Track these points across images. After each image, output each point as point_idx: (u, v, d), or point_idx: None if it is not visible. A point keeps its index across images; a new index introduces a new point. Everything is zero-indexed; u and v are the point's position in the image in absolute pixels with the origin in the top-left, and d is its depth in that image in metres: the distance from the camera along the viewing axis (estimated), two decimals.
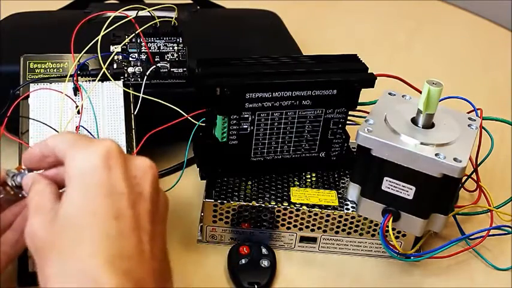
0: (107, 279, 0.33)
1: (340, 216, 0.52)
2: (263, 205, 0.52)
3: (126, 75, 0.56)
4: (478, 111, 0.55)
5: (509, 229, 0.57)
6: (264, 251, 0.53)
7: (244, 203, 0.52)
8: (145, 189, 0.37)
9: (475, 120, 0.52)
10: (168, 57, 0.58)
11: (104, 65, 0.54)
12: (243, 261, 0.51)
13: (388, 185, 0.48)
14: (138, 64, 0.57)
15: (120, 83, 0.56)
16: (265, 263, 0.52)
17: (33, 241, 0.37)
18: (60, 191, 0.40)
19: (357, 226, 0.53)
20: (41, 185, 0.40)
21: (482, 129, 0.54)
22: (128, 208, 0.36)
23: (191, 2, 0.79)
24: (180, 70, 0.57)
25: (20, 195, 0.46)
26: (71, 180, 0.36)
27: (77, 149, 0.38)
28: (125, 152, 0.53)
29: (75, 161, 0.37)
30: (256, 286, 0.50)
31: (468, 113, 0.55)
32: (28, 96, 0.54)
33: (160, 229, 0.38)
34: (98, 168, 0.36)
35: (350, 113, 0.54)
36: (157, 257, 0.37)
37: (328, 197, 0.53)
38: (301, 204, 0.52)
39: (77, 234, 0.34)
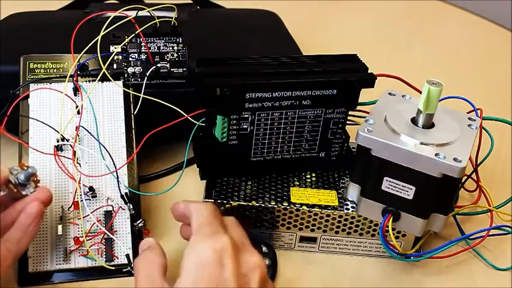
0: None
1: (340, 216, 0.52)
2: (263, 205, 0.52)
3: (126, 76, 0.56)
4: (478, 111, 0.55)
5: (509, 229, 0.57)
6: (264, 249, 0.53)
7: (244, 203, 0.52)
8: (253, 286, 0.40)
9: (475, 120, 0.52)
10: (168, 57, 0.58)
11: (104, 65, 0.54)
12: None
13: (388, 185, 0.48)
14: (138, 64, 0.57)
15: (120, 83, 0.56)
16: (266, 261, 0.52)
17: None
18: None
19: (356, 226, 0.53)
20: (155, 255, 0.44)
21: (482, 129, 0.54)
22: None
23: (191, 2, 0.79)
24: (180, 70, 0.57)
25: (24, 193, 0.46)
26: (186, 267, 0.40)
27: (199, 237, 0.42)
28: (125, 152, 0.54)
29: (193, 250, 0.41)
30: None
31: (468, 113, 0.55)
32: (28, 96, 0.54)
33: None
34: (213, 262, 0.40)
35: (350, 113, 0.54)
36: None
37: (328, 197, 0.53)
38: (301, 204, 0.52)
39: None
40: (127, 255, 0.50)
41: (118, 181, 0.52)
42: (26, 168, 0.46)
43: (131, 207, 0.51)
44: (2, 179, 0.44)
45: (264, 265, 0.42)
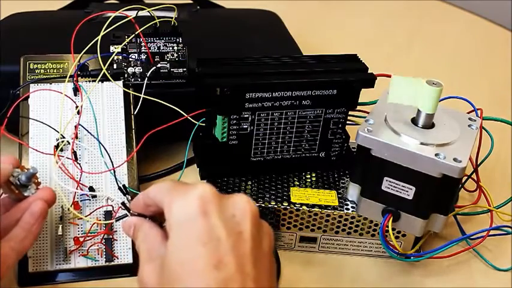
0: None
1: (340, 216, 0.52)
2: (263, 205, 0.52)
3: (126, 76, 0.56)
4: (478, 111, 0.55)
5: (509, 229, 0.57)
6: None
7: None
8: (245, 228, 0.37)
9: (475, 120, 0.52)
10: (168, 57, 0.58)
11: (104, 65, 0.54)
12: None
13: (388, 185, 0.48)
14: (138, 64, 0.57)
15: (120, 83, 0.56)
16: None
17: (143, 286, 0.38)
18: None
19: (356, 226, 0.53)
20: (145, 229, 0.41)
21: (483, 129, 0.54)
22: (228, 254, 0.35)
23: (191, 2, 0.79)
24: (180, 70, 0.57)
25: (25, 194, 0.46)
26: (171, 230, 0.37)
27: (173, 198, 0.38)
28: (125, 152, 0.54)
29: (172, 211, 0.38)
30: None
31: (468, 113, 0.55)
32: (28, 96, 0.54)
33: (265, 267, 0.37)
34: (195, 216, 0.36)
35: (350, 113, 0.54)
36: None
37: (328, 197, 0.53)
38: (301, 204, 0.52)
39: (181, 286, 0.35)
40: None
41: (115, 178, 0.52)
42: (26, 170, 0.46)
43: (129, 198, 0.51)
44: (3, 177, 0.44)
45: (255, 204, 0.38)
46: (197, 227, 0.36)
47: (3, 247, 0.43)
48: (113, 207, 0.51)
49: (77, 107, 0.54)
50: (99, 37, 0.53)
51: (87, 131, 0.53)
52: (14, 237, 0.44)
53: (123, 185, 0.52)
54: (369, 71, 0.52)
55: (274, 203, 0.52)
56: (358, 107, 0.54)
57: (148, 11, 0.57)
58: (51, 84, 0.55)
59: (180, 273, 0.35)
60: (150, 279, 0.38)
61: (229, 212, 0.37)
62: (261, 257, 0.37)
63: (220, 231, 0.36)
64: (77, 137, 0.53)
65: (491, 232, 0.55)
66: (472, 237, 0.55)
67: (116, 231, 0.51)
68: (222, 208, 0.37)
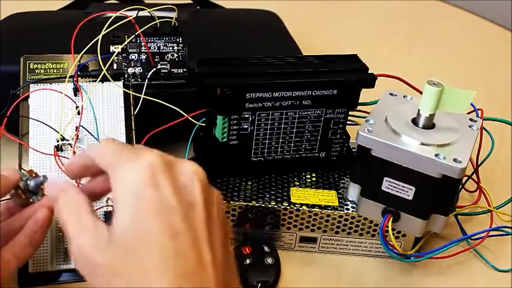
0: None
1: (340, 216, 0.52)
2: (263, 205, 0.52)
3: (126, 76, 0.56)
4: (479, 112, 0.55)
5: (509, 230, 0.57)
6: (266, 248, 0.53)
7: (244, 203, 0.52)
8: (196, 196, 0.36)
9: (475, 121, 0.52)
10: (168, 57, 0.58)
11: (104, 66, 0.54)
12: (248, 261, 0.51)
13: (388, 185, 0.48)
14: (138, 64, 0.57)
15: (120, 83, 0.56)
16: (269, 260, 0.52)
17: (88, 265, 0.36)
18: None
19: (356, 226, 0.53)
20: (72, 195, 0.39)
21: (483, 130, 0.54)
22: (181, 223, 0.35)
23: (191, 2, 0.79)
24: (180, 70, 0.57)
25: (31, 200, 0.45)
26: (120, 202, 0.36)
27: (121, 164, 0.37)
28: None
29: (121, 180, 0.36)
30: (266, 284, 0.50)
31: (468, 113, 0.55)
32: (28, 96, 0.54)
33: (218, 231, 0.37)
34: (146, 187, 0.35)
35: (350, 113, 0.54)
36: (221, 264, 0.36)
37: (328, 197, 0.53)
38: (301, 204, 0.52)
39: (138, 261, 0.34)
40: None
41: None
42: (34, 175, 0.45)
43: None
44: (12, 182, 0.43)
45: (202, 170, 0.38)
46: (149, 199, 0.35)
47: (5, 254, 0.42)
48: (113, 208, 0.51)
49: (77, 107, 0.54)
50: (99, 37, 0.53)
51: (87, 131, 0.53)
52: (16, 244, 0.43)
53: None
54: (369, 71, 0.52)
55: (274, 203, 0.52)
56: (359, 107, 0.54)
57: (148, 12, 0.57)
58: (51, 84, 0.55)
59: (136, 244, 0.34)
60: (92, 251, 0.35)
61: (179, 181, 0.36)
62: (213, 223, 0.37)
63: (171, 200, 0.35)
64: (78, 138, 0.53)
65: (492, 233, 0.55)
66: (472, 237, 0.55)
67: None
68: (172, 177, 0.36)
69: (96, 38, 0.53)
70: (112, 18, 0.53)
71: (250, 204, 0.52)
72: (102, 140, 0.41)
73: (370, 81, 0.52)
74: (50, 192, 0.42)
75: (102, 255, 0.35)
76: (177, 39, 0.59)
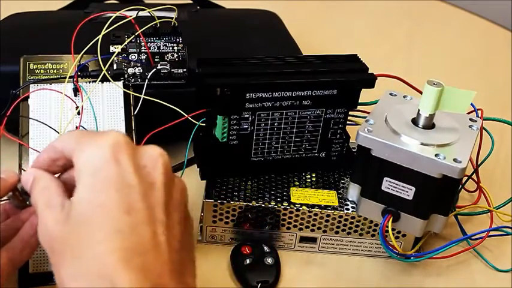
0: (122, 277, 0.32)
1: (340, 217, 0.52)
2: (263, 205, 0.52)
3: (126, 76, 0.56)
4: (479, 112, 0.55)
5: (509, 230, 0.57)
6: (265, 248, 0.53)
7: (244, 203, 0.52)
8: (157, 179, 0.36)
9: (476, 121, 0.52)
10: (168, 57, 0.58)
11: (104, 67, 0.54)
12: (248, 261, 0.51)
13: (388, 185, 0.48)
14: (138, 65, 0.57)
15: (120, 83, 0.56)
16: (269, 260, 0.52)
17: (48, 240, 0.36)
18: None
19: (356, 226, 0.53)
20: (45, 181, 0.39)
21: (483, 130, 0.54)
22: (139, 201, 0.35)
23: (191, 2, 0.79)
24: (180, 70, 0.57)
25: (28, 202, 0.45)
26: (80, 177, 0.36)
27: (83, 145, 0.37)
28: None
29: (82, 157, 0.36)
30: (266, 284, 0.50)
31: (468, 113, 0.55)
32: (28, 96, 0.54)
33: (177, 217, 0.37)
34: (106, 162, 0.35)
35: (350, 113, 0.54)
36: (175, 247, 0.36)
37: (328, 197, 0.53)
38: (301, 204, 0.52)
39: (90, 232, 0.34)
40: None
41: None
42: None
43: None
44: (10, 184, 0.43)
45: (167, 155, 0.38)
46: (109, 173, 0.35)
47: (1, 258, 0.42)
48: None
49: (77, 107, 0.54)
50: (99, 37, 0.53)
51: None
52: (12, 247, 0.43)
53: None
54: (369, 71, 0.52)
55: (274, 203, 0.52)
56: (359, 107, 0.54)
57: (148, 12, 0.57)
58: (51, 84, 0.55)
59: (90, 215, 0.34)
60: (53, 228, 0.36)
61: (141, 162, 0.37)
62: (172, 208, 0.37)
63: (131, 178, 0.35)
64: None
65: (492, 233, 0.55)
66: (472, 237, 0.55)
67: None
68: (134, 157, 0.36)
69: (96, 38, 0.53)
70: (112, 18, 0.53)
71: (250, 204, 0.52)
72: (65, 132, 0.41)
73: (370, 81, 0.52)
74: (26, 183, 0.41)
75: (60, 230, 0.35)
76: (177, 39, 0.59)
